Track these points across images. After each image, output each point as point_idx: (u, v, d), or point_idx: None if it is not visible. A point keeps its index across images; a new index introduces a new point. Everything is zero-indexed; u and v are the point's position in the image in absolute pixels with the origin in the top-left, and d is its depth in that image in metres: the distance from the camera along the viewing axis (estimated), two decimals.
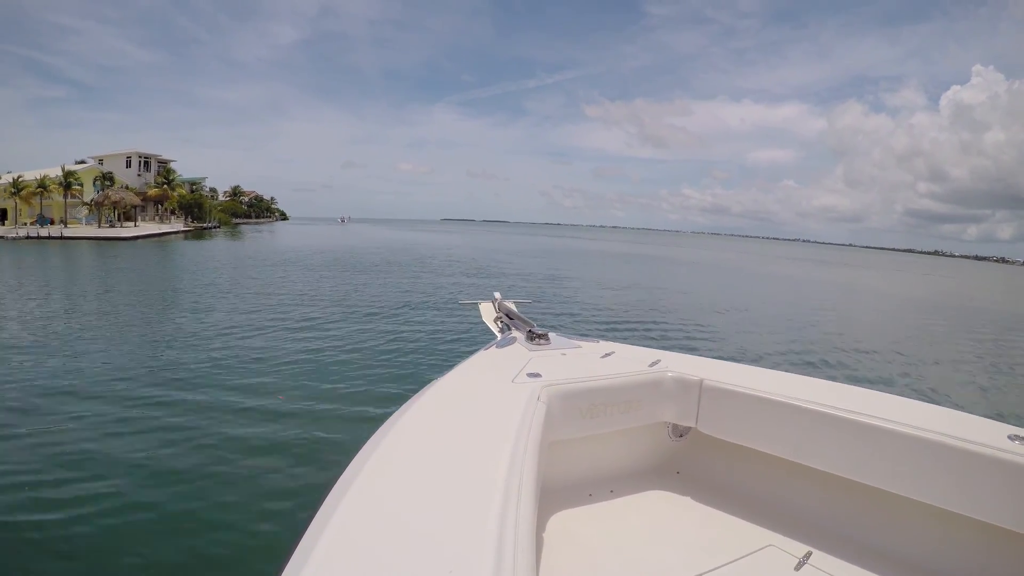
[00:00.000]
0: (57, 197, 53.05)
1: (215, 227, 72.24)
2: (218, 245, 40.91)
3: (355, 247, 41.45)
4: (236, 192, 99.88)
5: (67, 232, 47.49)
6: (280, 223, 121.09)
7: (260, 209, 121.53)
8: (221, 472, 4.44)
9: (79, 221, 53.72)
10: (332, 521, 0.90)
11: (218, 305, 12.73)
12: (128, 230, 48.40)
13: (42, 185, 51.29)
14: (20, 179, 53.28)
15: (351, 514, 0.92)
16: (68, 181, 50.54)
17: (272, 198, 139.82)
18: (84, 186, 54.59)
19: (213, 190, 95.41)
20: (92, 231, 47.96)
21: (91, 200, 51.92)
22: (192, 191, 77.64)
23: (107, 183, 53.22)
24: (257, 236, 56.67)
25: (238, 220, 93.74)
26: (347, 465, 1.14)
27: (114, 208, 51.31)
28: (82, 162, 62.65)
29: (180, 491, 4.16)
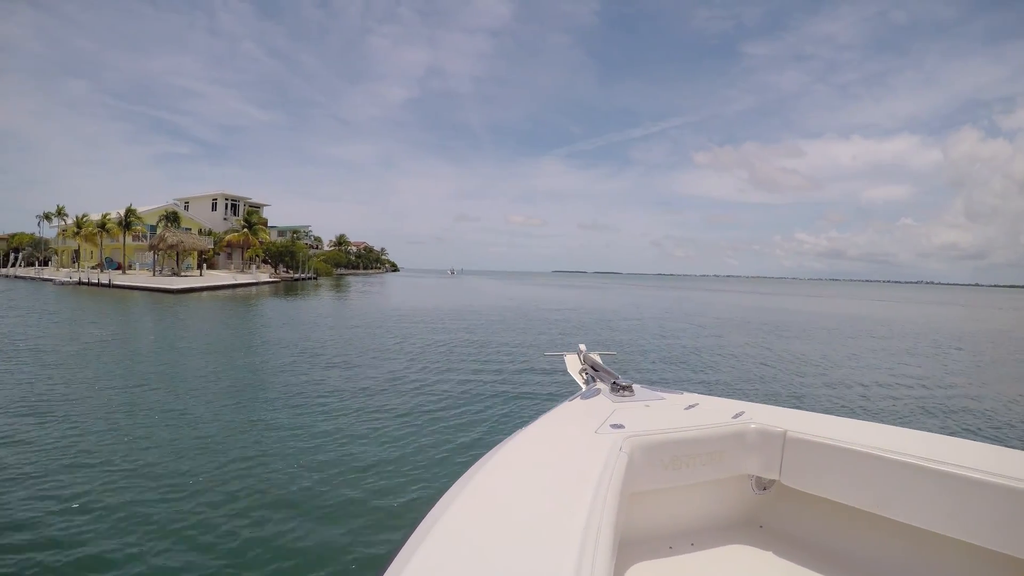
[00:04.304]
0: (125, 239, 44.30)
1: (311, 278, 61.78)
2: (291, 305, 27.74)
3: (479, 311, 26.94)
4: (341, 241, 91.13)
5: (120, 280, 38.01)
6: (390, 274, 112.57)
7: (369, 260, 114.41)
8: (306, 522, 4.27)
9: (144, 267, 44.19)
10: (409, 567, 0.91)
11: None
12: (186, 279, 37.18)
13: (101, 225, 42.29)
14: (84, 218, 45.00)
15: (430, 560, 0.93)
16: (128, 221, 40.89)
17: (383, 249, 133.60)
18: (157, 229, 45.40)
19: (317, 239, 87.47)
20: (143, 279, 37.44)
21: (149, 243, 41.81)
22: (294, 239, 68.84)
23: (171, 224, 42.91)
24: (359, 290, 43.95)
25: (343, 271, 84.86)
26: (428, 511, 1.15)
27: (175, 253, 40.64)
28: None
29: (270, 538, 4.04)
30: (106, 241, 44.62)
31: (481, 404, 8.09)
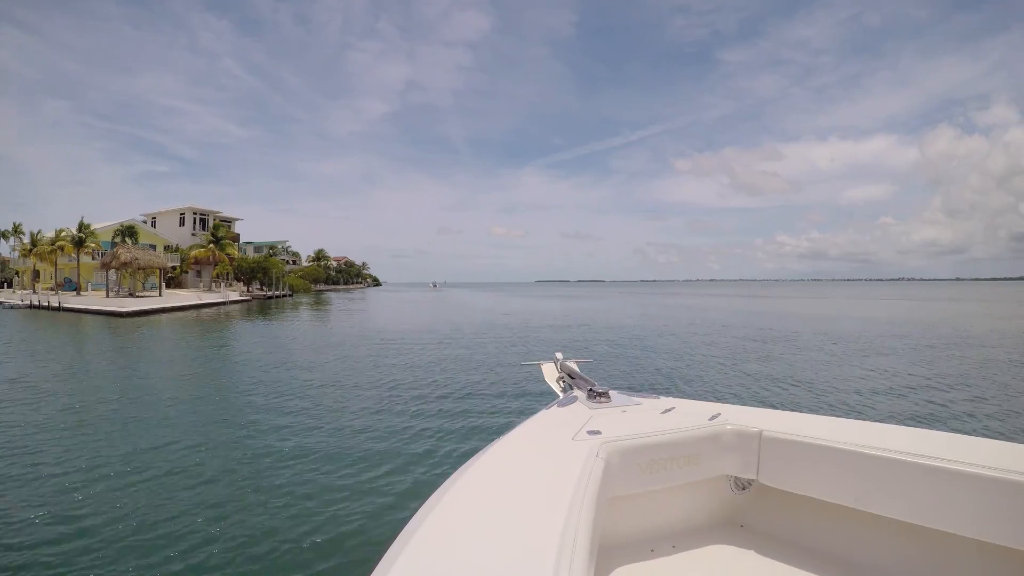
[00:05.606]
0: (84, 258, 41.55)
1: (287, 295, 59.19)
2: (257, 328, 25.42)
3: (474, 333, 24.71)
4: (320, 256, 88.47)
5: (72, 302, 35.40)
6: (371, 290, 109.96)
7: (350, 275, 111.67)
8: (284, 538, 4.19)
9: (99, 287, 41.38)
10: (391, 574, 0.93)
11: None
12: (140, 300, 34.56)
13: (55, 243, 39.56)
14: (39, 235, 42.16)
15: (409, 568, 0.95)
16: (79, 238, 38.20)
17: (364, 263, 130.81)
18: (118, 245, 42.73)
19: (295, 254, 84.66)
20: (94, 301, 34.78)
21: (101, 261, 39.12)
22: (268, 255, 66.15)
23: (126, 240, 40.26)
24: (337, 307, 41.25)
25: (322, 287, 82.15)
26: (406, 523, 1.16)
27: (133, 271, 37.98)
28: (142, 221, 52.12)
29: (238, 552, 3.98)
30: (63, 260, 41.85)
31: (457, 417, 7.99)
